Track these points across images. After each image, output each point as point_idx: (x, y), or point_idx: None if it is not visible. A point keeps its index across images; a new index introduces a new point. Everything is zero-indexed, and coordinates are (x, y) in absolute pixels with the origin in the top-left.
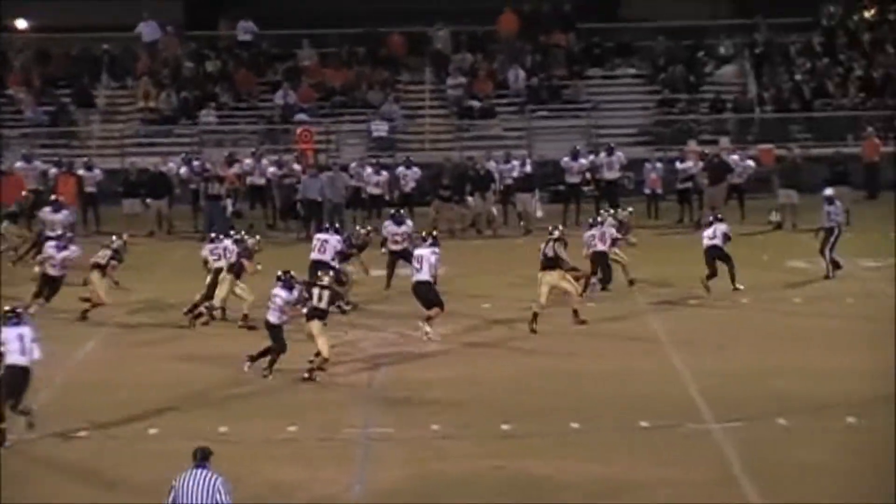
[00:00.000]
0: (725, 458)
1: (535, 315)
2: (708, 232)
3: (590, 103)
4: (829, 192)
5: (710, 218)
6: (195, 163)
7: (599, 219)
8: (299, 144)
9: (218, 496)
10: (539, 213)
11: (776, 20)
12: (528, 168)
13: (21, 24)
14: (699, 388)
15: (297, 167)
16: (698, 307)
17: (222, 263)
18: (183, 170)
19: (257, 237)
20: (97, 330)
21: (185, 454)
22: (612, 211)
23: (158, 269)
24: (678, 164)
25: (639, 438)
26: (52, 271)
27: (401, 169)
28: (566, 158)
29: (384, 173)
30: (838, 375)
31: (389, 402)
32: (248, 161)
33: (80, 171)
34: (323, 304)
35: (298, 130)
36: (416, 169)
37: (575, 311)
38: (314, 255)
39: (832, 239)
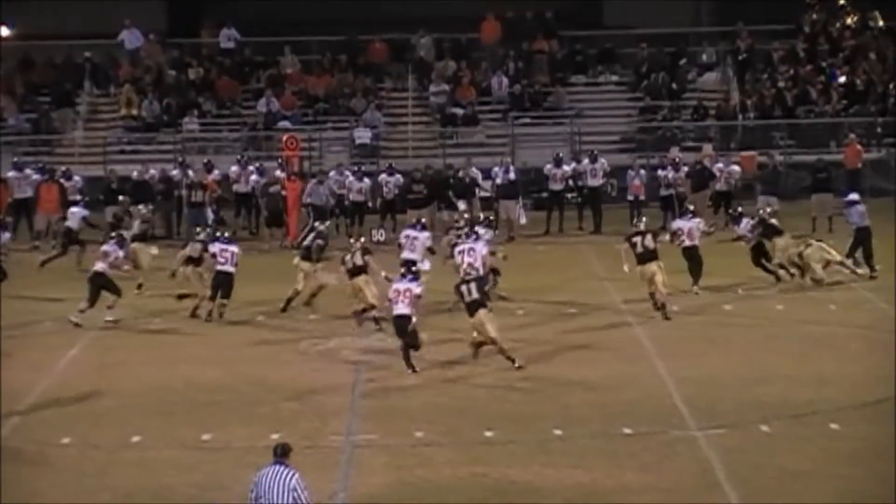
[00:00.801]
0: (708, 464)
1: (664, 305)
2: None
3: (573, 110)
4: (853, 196)
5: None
6: (174, 171)
7: (690, 210)
8: (285, 151)
9: (295, 494)
10: (523, 220)
11: (758, 27)
12: (512, 175)
13: (4, 31)
14: (682, 395)
15: (280, 174)
16: (681, 314)
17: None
18: (175, 171)
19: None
20: (79, 337)
21: (168, 461)
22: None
23: (141, 276)
24: (660, 172)
25: (621, 445)
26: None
27: (383, 176)
28: (549, 165)
29: (366, 180)
30: (821, 382)
31: (373, 409)
32: (233, 168)
33: (60, 181)
34: (475, 295)
35: (284, 137)
36: (398, 176)
37: (663, 306)
38: (405, 254)
39: (860, 241)
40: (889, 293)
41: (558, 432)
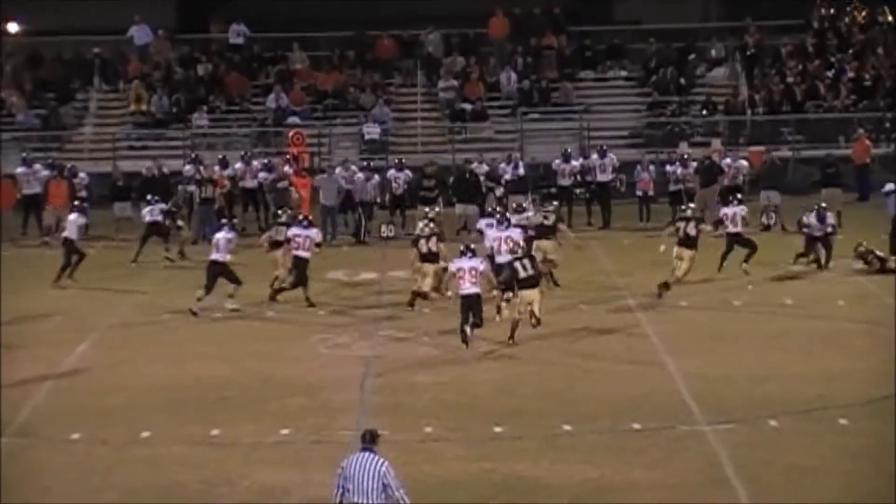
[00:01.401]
0: (717, 460)
1: (667, 284)
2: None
3: (581, 106)
4: (890, 186)
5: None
6: (188, 167)
7: (737, 198)
8: (290, 147)
9: (385, 480)
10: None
11: (767, 22)
12: (521, 170)
13: (12, 27)
14: (691, 391)
15: (287, 170)
16: (690, 309)
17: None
18: (187, 167)
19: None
20: (89, 333)
21: (177, 458)
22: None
23: (150, 272)
24: (668, 167)
25: (630, 440)
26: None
27: (392, 172)
28: (558, 161)
29: (375, 176)
30: (830, 377)
31: (381, 404)
32: (238, 165)
33: (68, 177)
34: (530, 272)
35: (290, 133)
36: (407, 172)
37: (666, 285)
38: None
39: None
40: (890, 285)
41: (567, 428)
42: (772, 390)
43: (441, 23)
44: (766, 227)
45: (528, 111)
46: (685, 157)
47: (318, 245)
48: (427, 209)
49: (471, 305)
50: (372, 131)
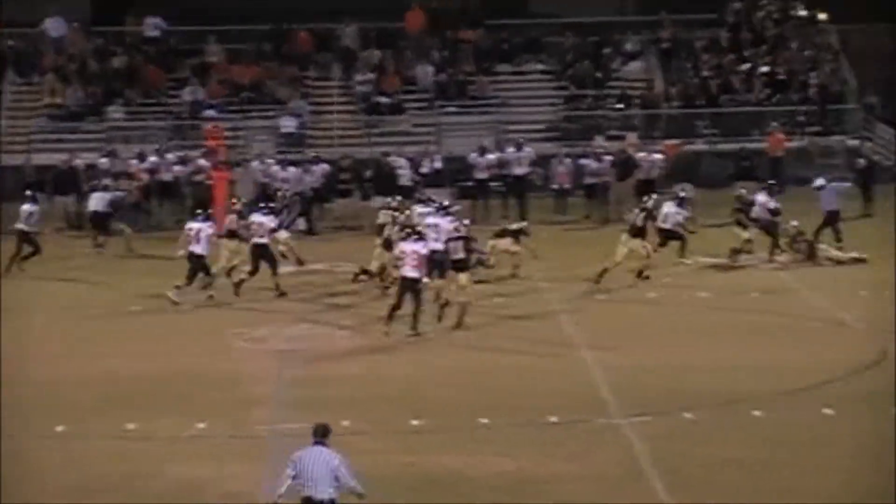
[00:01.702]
0: (634, 452)
1: (606, 270)
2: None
3: (498, 99)
4: (820, 181)
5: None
6: (103, 160)
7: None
8: (208, 141)
9: (338, 473)
10: None
11: (682, 16)
12: (438, 164)
13: None
14: (608, 384)
15: (203, 163)
16: (607, 303)
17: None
18: (102, 161)
19: None
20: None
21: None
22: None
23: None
24: (582, 161)
25: (548, 433)
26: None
27: (308, 165)
28: (474, 154)
29: (291, 169)
30: (745, 369)
31: (298, 398)
32: (152, 158)
33: None
34: (461, 255)
35: (207, 127)
36: (323, 165)
37: (640, 272)
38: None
39: (831, 225)
40: (810, 280)
41: (485, 421)
42: (688, 382)
43: (358, 16)
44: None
45: (444, 105)
46: (598, 151)
47: (272, 231)
48: (390, 199)
49: (408, 288)
50: (288, 125)
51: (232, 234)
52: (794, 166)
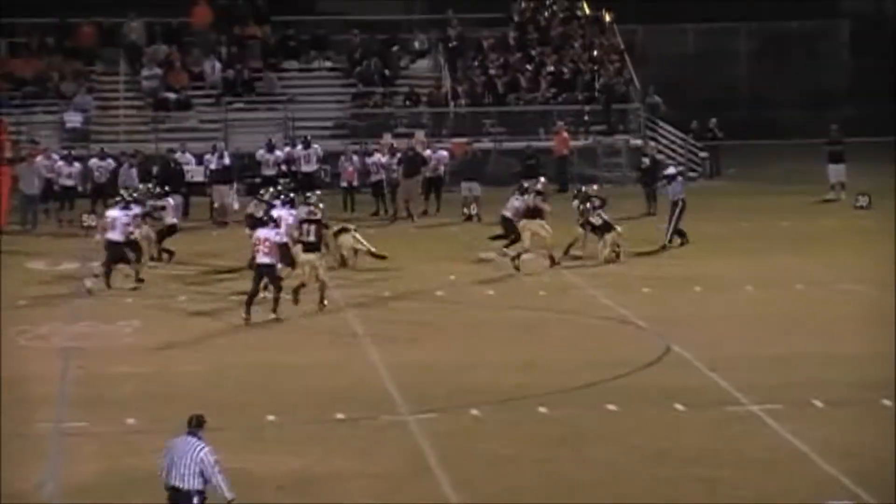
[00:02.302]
0: (420, 449)
1: (518, 255)
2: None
3: (286, 96)
4: (670, 170)
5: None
6: None
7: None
8: None
9: (202, 465)
10: (236, 206)
11: (469, 15)
12: (227, 160)
13: None
14: (394, 381)
15: None
16: (393, 300)
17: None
18: None
19: None
20: None
21: None
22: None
23: None
24: (367, 159)
25: (334, 430)
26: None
27: (94, 161)
28: (261, 151)
29: (76, 164)
30: (530, 366)
31: (82, 396)
32: None
33: None
34: (313, 238)
35: None
36: (109, 160)
37: (551, 257)
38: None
39: (677, 212)
40: (595, 279)
41: (271, 419)
42: (473, 379)
43: (144, 10)
44: (469, 218)
45: (232, 101)
46: (387, 147)
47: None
48: (309, 193)
49: (262, 275)
50: (73, 119)
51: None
52: (579, 165)
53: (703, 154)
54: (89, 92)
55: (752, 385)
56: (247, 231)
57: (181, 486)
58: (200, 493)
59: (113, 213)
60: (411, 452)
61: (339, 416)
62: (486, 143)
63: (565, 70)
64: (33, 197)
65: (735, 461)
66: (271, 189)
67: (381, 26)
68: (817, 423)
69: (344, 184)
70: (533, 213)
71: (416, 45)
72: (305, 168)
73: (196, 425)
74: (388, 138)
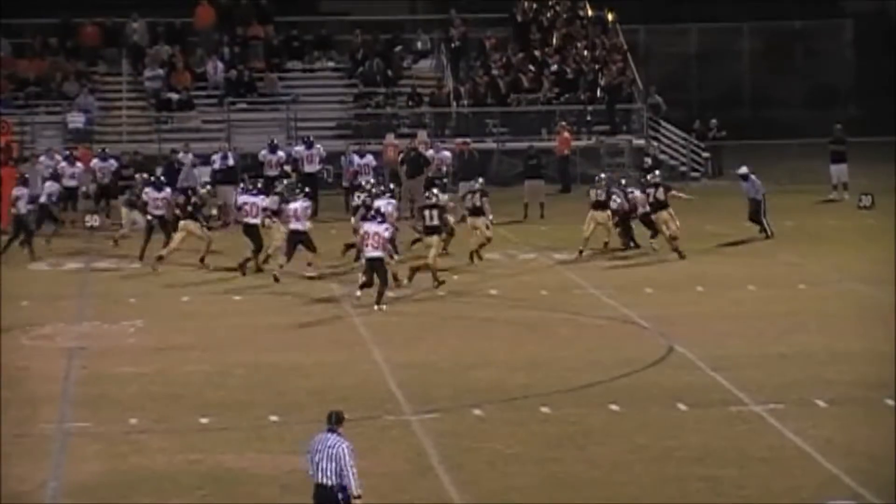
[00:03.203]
0: (422, 449)
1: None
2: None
3: (289, 96)
4: (743, 170)
5: None
6: None
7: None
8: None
9: (341, 463)
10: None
11: (472, 15)
12: (231, 161)
13: None
14: (397, 381)
15: None
16: (396, 301)
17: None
18: None
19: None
20: None
21: None
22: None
23: None
24: (359, 159)
25: None
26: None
27: (95, 161)
28: (264, 151)
29: (79, 165)
30: (533, 366)
31: (86, 396)
32: None
33: None
34: (435, 222)
35: None
36: (112, 161)
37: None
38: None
39: (761, 208)
40: (597, 279)
41: (274, 419)
42: (476, 379)
43: (146, 11)
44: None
45: (235, 101)
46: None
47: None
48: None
49: (374, 268)
50: (76, 120)
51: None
52: (582, 165)
53: (705, 154)
54: (92, 92)
55: (755, 384)
56: (352, 220)
57: (326, 482)
58: (344, 488)
59: (248, 198)
60: (414, 452)
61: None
62: (489, 144)
63: (568, 70)
64: (36, 198)
65: (738, 460)
66: (371, 181)
67: (383, 26)
68: (820, 423)
69: (346, 184)
70: (475, 211)
71: (419, 45)
72: (308, 168)
73: (335, 422)
74: (390, 138)
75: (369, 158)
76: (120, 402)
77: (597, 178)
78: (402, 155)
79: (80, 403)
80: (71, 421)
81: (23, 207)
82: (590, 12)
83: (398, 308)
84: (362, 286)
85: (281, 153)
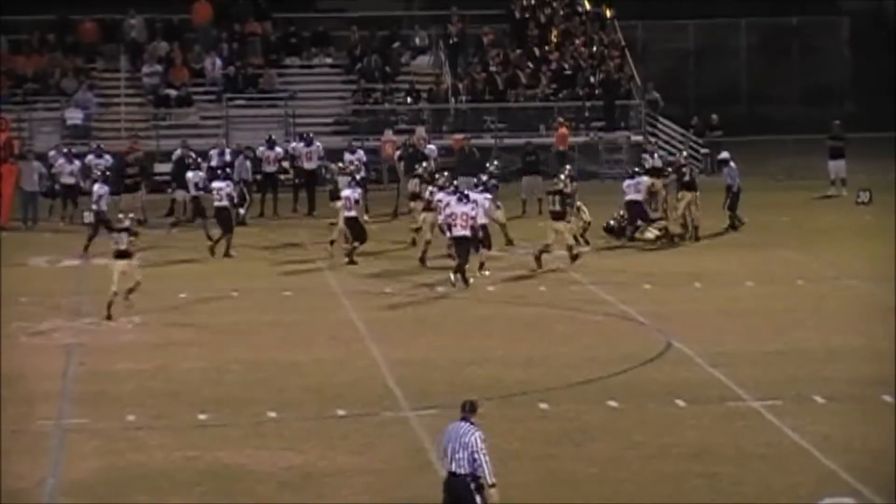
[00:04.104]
0: (420, 445)
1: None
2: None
3: (287, 92)
4: (724, 155)
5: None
6: None
7: (637, 169)
8: None
9: (473, 450)
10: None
11: (469, 12)
12: (228, 157)
13: None
14: (395, 377)
15: None
16: (395, 296)
17: None
18: None
19: None
20: None
21: None
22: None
23: None
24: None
25: (335, 427)
26: None
27: (90, 157)
28: (262, 148)
29: (77, 162)
30: (531, 363)
31: (84, 393)
32: None
33: None
34: (558, 207)
35: None
36: (108, 157)
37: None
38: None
39: (731, 196)
40: (595, 274)
41: (272, 415)
42: (475, 375)
43: (144, 7)
44: None
45: (233, 97)
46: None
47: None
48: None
49: (462, 246)
50: (74, 116)
51: None
52: (580, 161)
53: (703, 150)
54: (90, 89)
55: (753, 381)
56: (411, 205)
57: (458, 470)
58: (476, 477)
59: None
60: (412, 448)
61: (341, 412)
62: (487, 140)
63: (566, 66)
64: (33, 194)
65: (736, 456)
66: (445, 174)
67: (381, 23)
68: (818, 419)
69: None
70: (428, 205)
71: (417, 41)
72: (307, 165)
73: (469, 410)
74: (388, 135)
75: (360, 154)
76: (118, 399)
77: (555, 177)
78: (399, 151)
79: (78, 400)
80: (69, 418)
81: (104, 205)
82: (588, 8)
83: (394, 304)
84: (456, 270)
85: (279, 149)
